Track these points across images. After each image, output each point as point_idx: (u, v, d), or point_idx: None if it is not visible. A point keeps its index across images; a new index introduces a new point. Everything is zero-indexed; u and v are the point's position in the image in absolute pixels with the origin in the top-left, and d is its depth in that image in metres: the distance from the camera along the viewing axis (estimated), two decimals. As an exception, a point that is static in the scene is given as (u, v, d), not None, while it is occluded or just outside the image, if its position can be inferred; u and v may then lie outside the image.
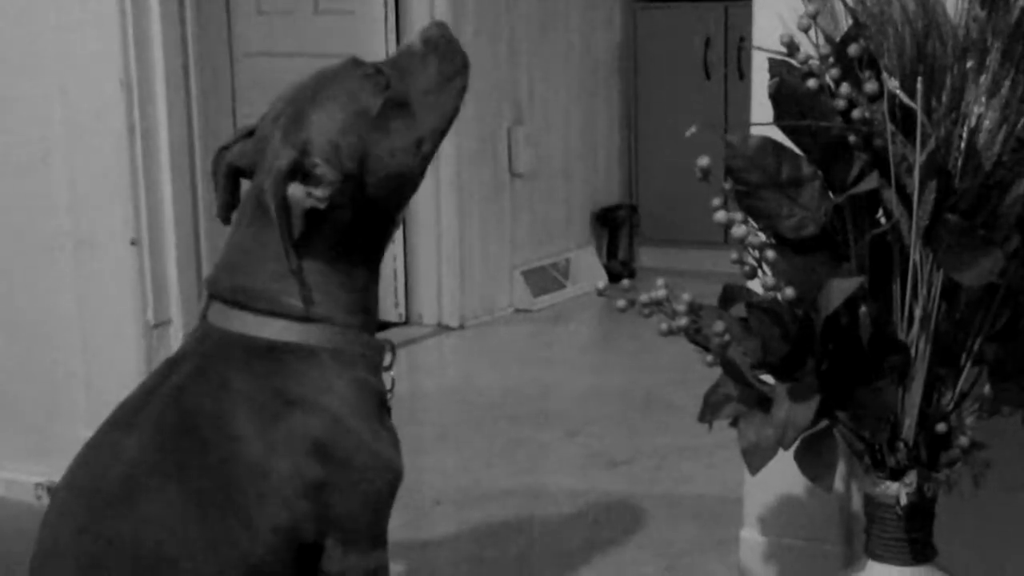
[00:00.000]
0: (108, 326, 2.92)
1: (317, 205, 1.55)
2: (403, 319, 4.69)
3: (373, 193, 1.60)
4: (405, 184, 1.64)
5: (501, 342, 4.58)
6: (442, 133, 1.66)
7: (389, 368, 1.67)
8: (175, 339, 2.93)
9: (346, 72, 1.62)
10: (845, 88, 1.64)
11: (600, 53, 5.47)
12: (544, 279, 5.05)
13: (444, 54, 1.66)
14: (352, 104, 1.59)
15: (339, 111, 1.58)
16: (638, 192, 5.60)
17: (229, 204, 1.67)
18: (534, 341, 4.61)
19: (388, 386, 1.66)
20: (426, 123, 1.63)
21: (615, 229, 5.47)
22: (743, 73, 5.12)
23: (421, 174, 1.65)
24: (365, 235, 1.62)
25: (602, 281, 1.90)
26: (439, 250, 4.68)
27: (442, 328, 4.70)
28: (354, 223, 1.60)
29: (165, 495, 1.51)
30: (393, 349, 1.68)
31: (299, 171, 1.56)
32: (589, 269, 5.26)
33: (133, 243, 2.88)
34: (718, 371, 1.77)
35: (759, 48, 1.83)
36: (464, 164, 4.57)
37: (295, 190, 1.55)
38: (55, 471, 2.93)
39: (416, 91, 1.63)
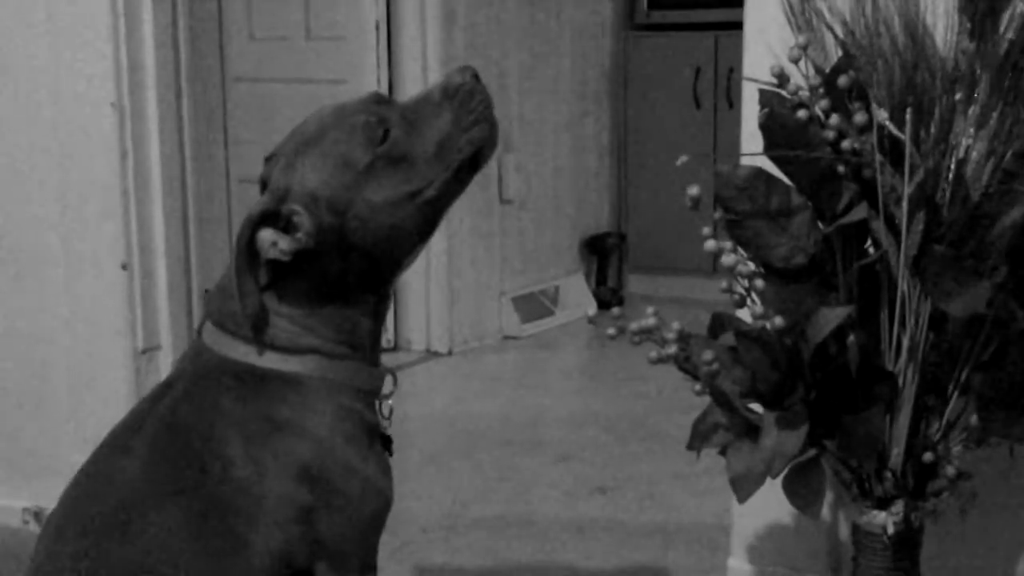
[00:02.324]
0: (97, 351, 2.91)
1: (280, 257, 1.55)
2: (392, 345, 4.69)
3: (359, 243, 1.57)
4: (398, 235, 1.59)
5: (490, 368, 4.58)
6: (449, 183, 1.60)
7: (388, 396, 1.66)
8: (164, 364, 2.93)
9: (347, 118, 1.59)
10: (835, 119, 1.65)
11: (590, 81, 5.49)
12: (533, 306, 5.06)
13: (462, 103, 1.60)
14: (339, 156, 1.56)
15: (323, 162, 1.56)
16: (627, 219, 5.61)
17: None
18: (523, 367, 4.61)
19: (387, 413, 1.66)
20: (425, 175, 1.58)
21: (604, 256, 5.48)
22: (732, 102, 5.14)
23: (423, 224, 1.60)
24: (357, 280, 1.61)
25: (592, 309, 1.91)
26: (428, 276, 4.69)
27: (431, 354, 4.70)
28: (342, 269, 1.59)
29: (162, 518, 1.51)
30: (395, 378, 1.68)
31: (276, 217, 1.55)
32: (578, 296, 5.27)
33: (123, 267, 2.88)
34: (707, 398, 1.77)
35: (750, 79, 1.84)
36: (454, 191, 4.57)
37: (265, 237, 1.54)
38: (43, 496, 2.94)
39: (421, 143, 1.59)
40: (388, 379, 1.67)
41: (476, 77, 1.62)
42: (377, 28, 4.56)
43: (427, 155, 1.59)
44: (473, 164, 1.62)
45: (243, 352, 1.58)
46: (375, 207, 1.56)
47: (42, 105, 2.88)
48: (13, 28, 2.89)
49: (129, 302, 2.90)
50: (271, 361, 1.57)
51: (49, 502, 1.67)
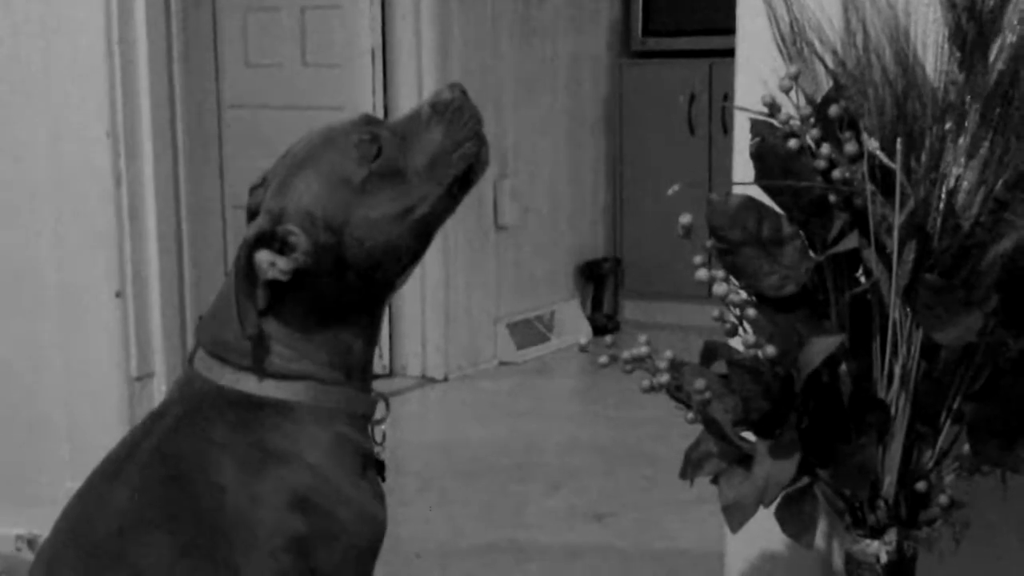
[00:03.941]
0: (91, 378, 2.91)
1: (279, 277, 1.55)
2: (387, 371, 4.69)
3: (356, 261, 1.57)
4: (393, 253, 1.59)
5: (485, 394, 4.58)
6: (442, 199, 1.60)
7: (381, 422, 1.66)
8: (158, 392, 2.93)
9: (339, 137, 1.59)
10: (825, 148, 1.65)
11: (586, 108, 5.51)
12: (529, 332, 5.06)
13: (452, 120, 1.60)
14: (334, 173, 1.56)
15: (318, 180, 1.56)
16: (623, 245, 5.62)
17: None
18: (518, 394, 4.61)
19: (380, 439, 1.66)
20: (419, 192, 1.59)
21: (600, 282, 5.49)
22: (727, 129, 5.16)
23: (417, 242, 1.60)
24: (353, 300, 1.61)
25: (585, 337, 1.91)
26: (424, 302, 4.69)
27: (426, 380, 4.70)
28: (338, 289, 1.59)
29: (156, 547, 1.50)
30: (387, 403, 1.68)
31: (272, 238, 1.56)
32: (573, 322, 5.27)
33: (118, 295, 2.88)
34: (700, 427, 1.77)
35: (741, 108, 1.85)
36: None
37: (263, 258, 1.54)
38: (36, 523, 2.93)
39: (413, 159, 1.59)
40: (381, 404, 1.67)
41: (464, 93, 1.63)
42: (373, 55, 4.58)
43: (420, 171, 1.59)
44: (465, 181, 1.62)
45: (235, 379, 1.58)
46: (371, 224, 1.56)
47: (37, 133, 2.88)
48: (6, 55, 2.89)
49: (123, 329, 2.91)
50: (265, 388, 1.57)
51: (43, 529, 1.67)
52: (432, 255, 4.66)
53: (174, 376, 2.92)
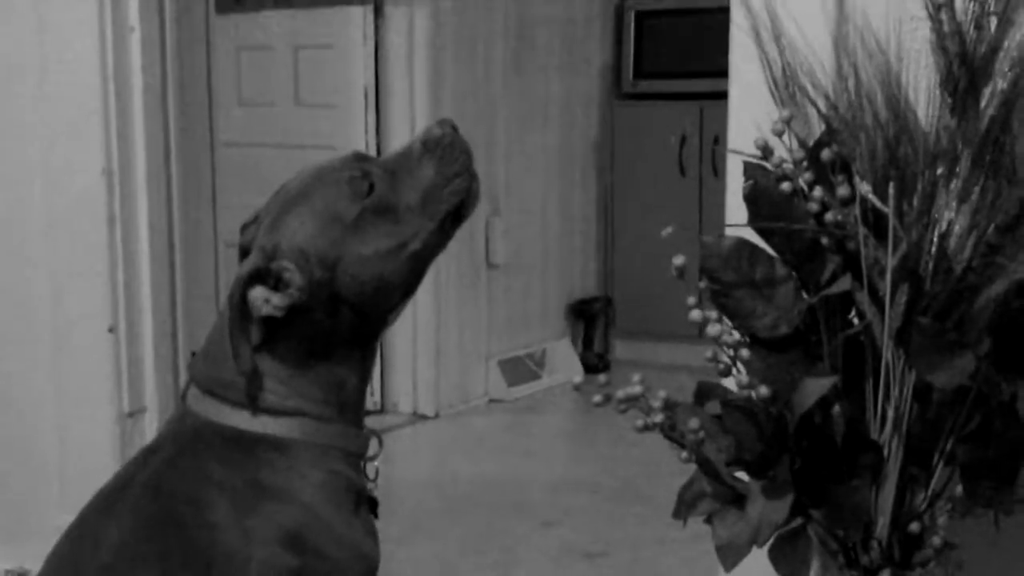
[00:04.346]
0: (83, 413, 2.91)
1: (273, 313, 1.55)
2: (378, 407, 4.69)
3: (349, 297, 1.58)
4: (386, 288, 1.60)
5: (476, 432, 4.57)
6: (434, 234, 1.62)
7: (374, 458, 1.67)
8: (149, 427, 2.93)
9: (331, 174, 1.60)
10: (818, 192, 1.66)
11: (577, 148, 5.53)
12: (520, 369, 5.06)
13: (443, 155, 1.62)
14: (326, 210, 1.57)
15: (311, 217, 1.57)
16: (614, 285, 5.63)
17: None
18: (509, 431, 4.60)
19: (373, 476, 1.66)
20: (411, 227, 1.60)
21: (591, 321, 5.50)
22: (718, 171, 5.19)
23: (410, 277, 1.62)
24: (346, 336, 1.62)
25: (578, 376, 1.91)
26: (415, 339, 4.70)
27: (417, 417, 4.70)
28: (332, 325, 1.60)
29: (146, 583, 1.50)
30: (380, 439, 1.68)
31: (266, 275, 1.56)
32: (565, 360, 5.28)
33: (110, 330, 2.88)
34: (693, 466, 1.77)
35: (734, 151, 1.86)
36: (441, 254, 4.59)
37: (257, 294, 1.55)
38: (27, 557, 2.91)
39: (405, 195, 1.60)
40: (373, 441, 1.68)
41: (455, 129, 1.64)
42: (366, 95, 4.60)
43: (412, 207, 1.60)
44: (457, 215, 1.64)
45: (228, 416, 1.58)
46: (364, 260, 1.57)
47: (32, 170, 2.89)
48: (3, 94, 2.91)
49: (115, 365, 2.91)
50: (258, 424, 1.58)
51: (34, 564, 1.67)
52: (424, 293, 4.67)
53: (166, 412, 2.92)
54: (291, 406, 1.58)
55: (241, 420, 1.58)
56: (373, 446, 1.68)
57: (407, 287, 1.63)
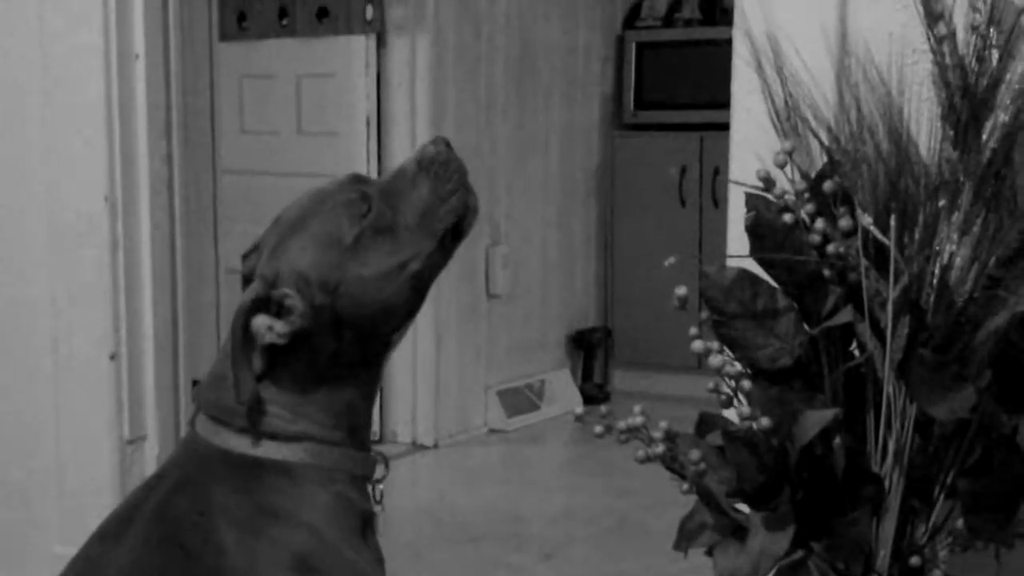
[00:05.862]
0: (84, 440, 2.91)
1: (277, 341, 1.55)
2: (377, 437, 4.68)
3: (352, 320, 1.58)
4: (389, 309, 1.60)
5: (475, 462, 4.57)
6: (434, 252, 1.62)
7: (381, 481, 1.67)
8: (150, 455, 2.92)
9: (328, 198, 1.61)
10: (820, 223, 1.67)
11: (578, 178, 5.55)
12: (519, 400, 5.06)
13: (438, 174, 1.62)
14: (325, 234, 1.58)
15: (310, 242, 1.57)
16: (613, 315, 5.64)
17: None
18: (508, 462, 4.60)
19: (378, 498, 1.66)
20: (411, 247, 1.60)
21: (590, 351, 5.50)
22: (718, 201, 5.20)
23: (412, 297, 1.61)
24: (350, 359, 1.62)
25: (579, 407, 1.91)
26: (415, 369, 4.69)
27: (416, 447, 4.69)
28: (336, 348, 1.60)
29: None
30: (386, 462, 1.68)
31: (269, 303, 1.57)
32: (564, 391, 5.27)
33: (112, 357, 2.88)
34: (694, 497, 1.77)
35: (736, 182, 1.87)
36: (441, 284, 4.59)
37: (260, 322, 1.55)
38: (25, 587, 2.91)
39: (403, 215, 1.60)
40: (380, 464, 1.68)
41: (448, 146, 1.64)
42: (368, 123, 4.62)
43: (411, 226, 1.60)
44: (457, 231, 1.65)
45: (235, 442, 1.58)
46: (365, 282, 1.57)
47: (35, 196, 2.90)
48: (7, 120, 2.92)
49: (116, 392, 2.91)
50: (265, 450, 1.57)
51: (34, 594, 1.67)
52: (423, 322, 4.68)
53: (166, 440, 2.92)
54: (297, 430, 1.58)
55: (247, 446, 1.58)
56: (380, 469, 1.67)
57: (409, 307, 1.63)
